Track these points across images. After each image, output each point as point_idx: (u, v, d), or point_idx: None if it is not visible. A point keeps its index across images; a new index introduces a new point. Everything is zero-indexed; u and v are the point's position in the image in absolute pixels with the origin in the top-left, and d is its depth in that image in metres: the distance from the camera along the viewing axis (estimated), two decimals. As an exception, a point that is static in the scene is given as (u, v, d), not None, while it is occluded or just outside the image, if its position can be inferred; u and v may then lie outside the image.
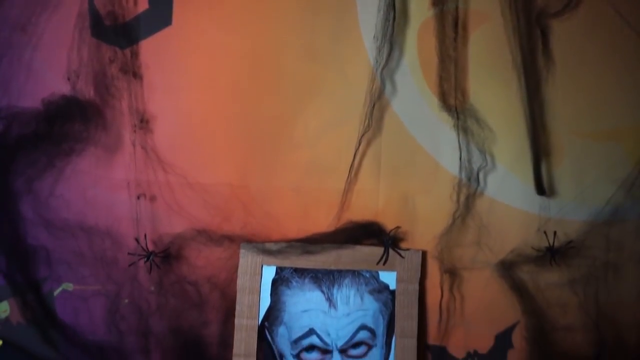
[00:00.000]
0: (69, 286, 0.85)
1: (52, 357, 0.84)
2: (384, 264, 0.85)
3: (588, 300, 0.85)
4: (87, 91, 0.82)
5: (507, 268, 0.85)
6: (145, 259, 0.80)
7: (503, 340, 0.90)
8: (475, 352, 0.91)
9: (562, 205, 0.83)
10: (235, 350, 0.84)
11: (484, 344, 0.90)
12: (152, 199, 0.82)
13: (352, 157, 0.83)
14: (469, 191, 0.84)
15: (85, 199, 0.81)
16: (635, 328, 0.85)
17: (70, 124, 0.81)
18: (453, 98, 0.82)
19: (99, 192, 0.81)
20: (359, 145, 0.83)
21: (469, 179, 0.83)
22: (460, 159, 0.83)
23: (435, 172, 0.84)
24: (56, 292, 0.85)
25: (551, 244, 0.81)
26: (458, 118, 0.82)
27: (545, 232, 0.82)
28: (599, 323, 0.84)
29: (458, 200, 0.83)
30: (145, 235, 0.81)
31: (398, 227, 0.85)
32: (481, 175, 0.83)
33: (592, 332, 0.85)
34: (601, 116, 0.83)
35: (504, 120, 0.83)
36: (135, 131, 0.82)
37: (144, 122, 0.82)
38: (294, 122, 0.84)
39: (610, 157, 0.83)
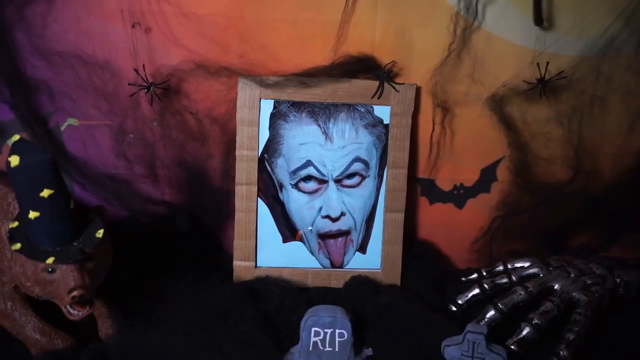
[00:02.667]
0: (75, 121, 0.88)
1: (69, 185, 0.90)
2: (378, 97, 0.87)
3: (572, 133, 0.89)
4: None
5: (497, 102, 0.88)
6: (146, 90, 0.82)
7: (488, 173, 0.96)
8: (462, 184, 0.97)
9: (558, 37, 0.83)
10: (237, 179, 0.89)
11: (470, 177, 0.97)
12: (147, 30, 0.81)
13: (349, -14, 0.81)
14: (466, 23, 0.83)
15: (80, 29, 0.80)
16: (611, 157, 0.91)
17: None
18: None
19: (93, 22, 0.80)
20: (356, -28, 0.80)
21: (467, 10, 0.82)
22: (460, -14, 0.81)
23: (434, 3, 0.83)
24: (63, 127, 0.88)
25: (543, 75, 0.83)
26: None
27: (537, 64, 0.83)
28: (578, 153, 0.90)
29: (455, 32, 0.83)
30: (143, 66, 0.81)
31: (394, 62, 0.86)
32: (480, 6, 0.82)
33: (571, 161, 0.90)
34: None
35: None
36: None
37: None
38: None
39: (614, -15, 0.81)
